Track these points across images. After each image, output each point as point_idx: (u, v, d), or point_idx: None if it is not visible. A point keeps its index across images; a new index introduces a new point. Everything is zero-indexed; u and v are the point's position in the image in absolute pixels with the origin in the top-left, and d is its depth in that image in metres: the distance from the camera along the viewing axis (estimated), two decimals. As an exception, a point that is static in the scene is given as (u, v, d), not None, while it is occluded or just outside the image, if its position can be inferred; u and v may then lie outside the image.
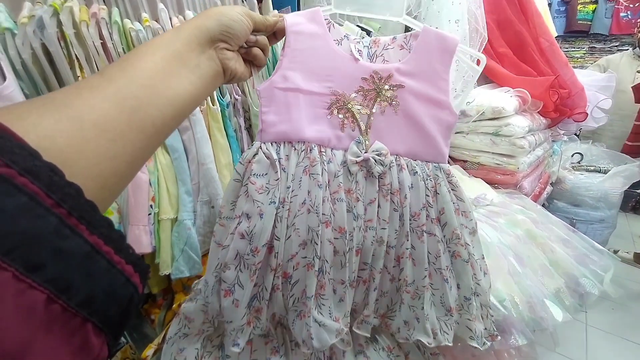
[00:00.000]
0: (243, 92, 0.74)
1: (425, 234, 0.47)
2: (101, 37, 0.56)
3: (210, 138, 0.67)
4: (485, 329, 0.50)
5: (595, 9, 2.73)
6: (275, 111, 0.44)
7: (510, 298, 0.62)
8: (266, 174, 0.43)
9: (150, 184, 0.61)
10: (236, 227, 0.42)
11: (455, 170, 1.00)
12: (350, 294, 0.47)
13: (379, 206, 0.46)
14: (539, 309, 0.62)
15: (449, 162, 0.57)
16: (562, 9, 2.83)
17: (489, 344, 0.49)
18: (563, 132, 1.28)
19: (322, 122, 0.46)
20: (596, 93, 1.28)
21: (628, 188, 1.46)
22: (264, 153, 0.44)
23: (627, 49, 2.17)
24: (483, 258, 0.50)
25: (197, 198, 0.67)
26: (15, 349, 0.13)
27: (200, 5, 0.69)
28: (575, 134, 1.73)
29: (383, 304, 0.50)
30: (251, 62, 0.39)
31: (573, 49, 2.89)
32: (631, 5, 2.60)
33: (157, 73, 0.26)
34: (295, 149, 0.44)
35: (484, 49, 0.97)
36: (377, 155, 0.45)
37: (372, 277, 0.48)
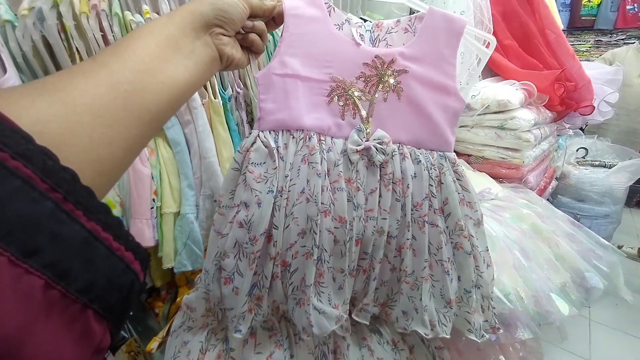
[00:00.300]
0: (245, 85, 0.73)
1: (427, 224, 0.46)
2: (101, 29, 0.55)
3: (212, 131, 0.66)
4: (486, 320, 0.49)
5: (600, 2, 2.68)
6: (273, 99, 0.43)
7: (515, 292, 0.61)
8: (264, 162, 0.43)
9: (152, 177, 0.61)
10: (235, 216, 0.42)
11: (459, 165, 0.99)
12: (350, 283, 0.47)
13: (380, 196, 0.45)
14: (545, 303, 0.61)
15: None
16: (568, 2, 2.79)
17: (487, 336, 0.48)
18: (569, 125, 1.27)
19: (321, 110, 0.45)
20: (603, 86, 1.26)
21: (633, 183, 1.44)
22: (262, 141, 0.43)
23: (634, 42, 2.13)
24: (487, 250, 0.50)
25: (199, 192, 0.67)
26: (14, 334, 0.13)
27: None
28: (581, 128, 1.71)
29: (383, 293, 0.50)
30: (249, 48, 0.38)
31: (578, 43, 2.85)
32: (638, -2, 2.55)
33: (151, 58, 0.25)
34: (293, 137, 0.44)
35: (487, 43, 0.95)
36: (379, 143, 0.44)
37: (372, 266, 0.47)
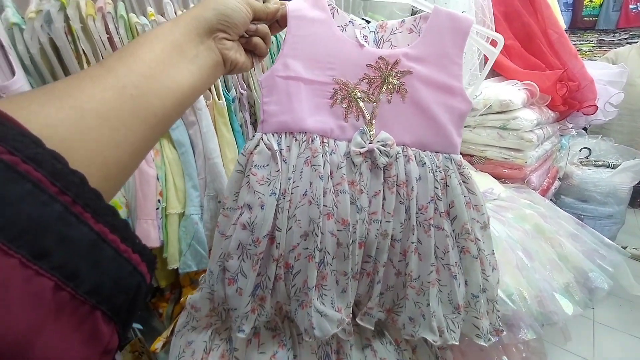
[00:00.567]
0: (249, 86, 0.74)
1: (432, 227, 0.45)
2: (107, 31, 0.56)
3: (216, 133, 0.67)
4: (491, 323, 0.49)
5: (602, 2, 2.67)
6: (277, 101, 0.43)
7: (519, 292, 0.61)
8: (267, 165, 0.43)
9: (157, 178, 0.62)
10: (238, 218, 0.43)
11: (462, 165, 0.99)
12: (354, 286, 0.47)
13: (384, 198, 0.45)
14: (549, 303, 0.61)
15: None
16: (570, 1, 2.78)
17: (493, 339, 0.48)
18: (572, 125, 1.26)
19: (324, 112, 0.44)
20: (606, 87, 1.26)
21: (637, 184, 1.44)
22: (265, 144, 0.43)
23: (637, 42, 2.12)
24: (493, 253, 0.49)
25: (203, 193, 0.68)
26: (24, 335, 0.13)
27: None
28: (584, 128, 1.71)
29: (389, 299, 0.50)
30: (252, 52, 0.38)
31: (581, 42, 2.84)
32: (641, -3, 2.54)
33: (156, 63, 0.26)
34: (296, 139, 0.44)
35: (491, 41, 0.95)
36: (382, 146, 0.44)
37: (376, 270, 0.47)
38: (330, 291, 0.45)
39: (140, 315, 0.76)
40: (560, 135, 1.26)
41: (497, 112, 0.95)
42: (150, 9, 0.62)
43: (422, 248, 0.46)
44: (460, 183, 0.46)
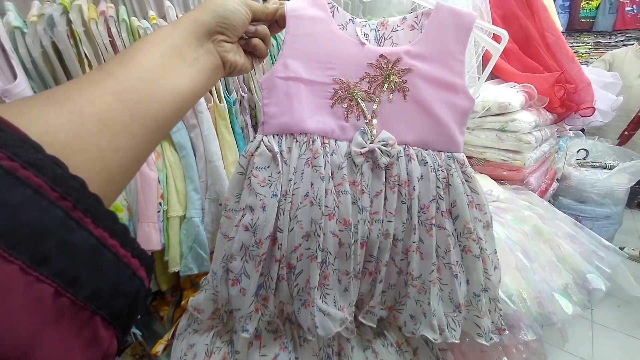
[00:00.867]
0: (249, 89, 0.74)
1: (434, 227, 0.45)
2: (110, 35, 0.56)
3: (217, 135, 0.67)
4: (493, 322, 0.49)
5: (598, 4, 2.70)
6: (277, 102, 0.43)
7: (518, 293, 0.62)
8: (268, 166, 0.43)
9: (159, 181, 0.62)
10: (240, 220, 0.43)
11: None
12: (356, 285, 0.47)
13: (385, 198, 0.45)
14: (548, 304, 0.62)
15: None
16: (566, 4, 2.80)
17: (495, 339, 0.48)
18: (569, 127, 1.27)
19: (324, 113, 0.44)
20: (607, 93, 1.27)
21: (634, 184, 1.45)
22: (265, 146, 0.43)
23: (633, 44, 2.14)
24: (495, 252, 0.49)
25: (205, 195, 0.68)
26: (25, 341, 0.13)
27: (206, 2, 0.69)
28: (582, 130, 1.72)
29: (390, 297, 0.50)
30: (252, 53, 0.38)
31: (578, 44, 2.87)
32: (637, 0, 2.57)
33: (156, 67, 0.26)
34: (297, 141, 0.44)
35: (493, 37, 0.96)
36: (384, 145, 0.43)
37: (378, 269, 0.47)
38: (332, 290, 0.46)
39: (140, 319, 0.76)
40: (558, 137, 1.27)
41: (496, 114, 0.96)
42: (152, 13, 0.62)
43: (423, 247, 0.46)
44: (462, 182, 0.45)
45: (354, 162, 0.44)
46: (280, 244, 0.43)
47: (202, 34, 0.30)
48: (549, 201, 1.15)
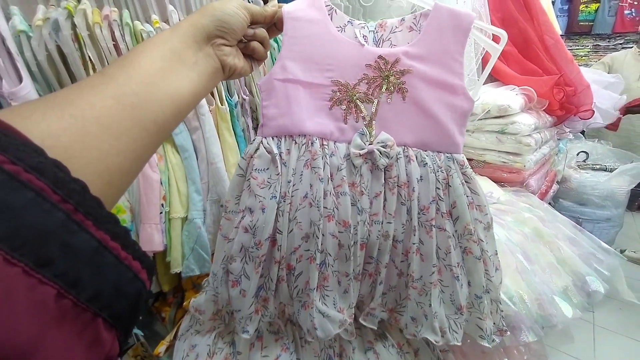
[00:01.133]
0: (251, 92, 0.75)
1: (434, 228, 0.45)
2: (113, 38, 0.57)
3: (219, 137, 0.68)
4: (494, 323, 0.49)
5: (597, 7, 2.71)
6: (275, 104, 0.43)
7: (518, 295, 0.62)
8: (267, 168, 0.43)
9: (161, 183, 0.62)
10: (240, 221, 0.43)
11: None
12: (356, 287, 0.47)
13: (385, 200, 0.45)
14: (548, 306, 0.62)
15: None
16: (565, 7, 2.82)
17: (498, 340, 0.48)
18: (569, 129, 1.28)
19: (323, 115, 0.44)
20: (610, 93, 1.27)
21: (634, 187, 1.45)
22: (264, 148, 0.43)
23: (632, 47, 2.15)
24: (496, 254, 0.49)
25: (206, 197, 0.68)
26: (28, 343, 0.14)
27: (209, 6, 0.69)
28: (581, 132, 1.72)
29: (391, 299, 0.50)
30: (251, 56, 0.38)
31: (577, 47, 2.88)
32: (635, 3, 2.58)
33: (156, 71, 0.26)
34: (295, 142, 0.44)
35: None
36: (382, 146, 0.43)
37: (378, 271, 0.47)
38: (332, 292, 0.46)
39: (142, 320, 0.76)
40: (558, 139, 1.27)
41: (496, 117, 0.96)
42: (155, 17, 0.63)
43: (423, 249, 0.46)
44: (462, 183, 0.45)
45: (353, 164, 0.44)
46: (280, 246, 0.43)
47: (201, 37, 0.31)
48: (549, 203, 1.15)
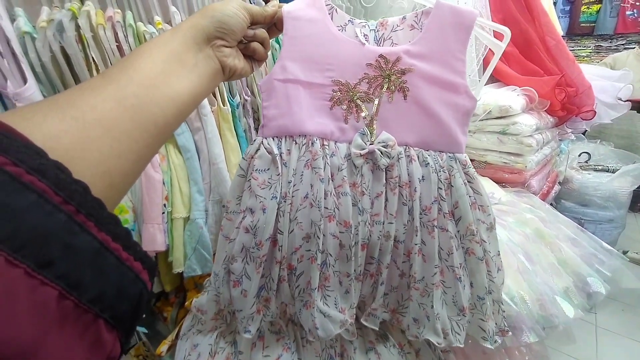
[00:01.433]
0: (252, 92, 0.75)
1: (436, 229, 0.45)
2: (117, 39, 0.57)
3: (221, 138, 0.68)
4: (496, 324, 0.49)
5: (599, 8, 2.71)
6: (276, 105, 0.43)
7: (520, 295, 0.62)
8: (268, 169, 0.44)
9: (163, 183, 0.63)
10: (241, 222, 0.43)
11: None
12: (357, 287, 0.47)
13: (386, 200, 0.45)
14: (550, 307, 0.62)
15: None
16: (567, 8, 2.82)
17: (499, 341, 0.48)
18: (571, 130, 1.27)
19: (323, 115, 0.44)
20: (614, 84, 1.25)
21: (637, 188, 1.44)
22: (265, 148, 0.44)
23: (634, 47, 2.15)
24: (499, 254, 0.49)
25: (208, 197, 0.69)
26: (29, 344, 0.14)
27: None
28: (583, 133, 1.72)
29: (393, 299, 0.50)
30: (252, 57, 0.38)
31: (579, 48, 2.88)
32: (637, 4, 2.58)
33: (156, 73, 0.26)
34: (296, 143, 0.44)
35: (489, 49, 0.97)
36: (383, 146, 0.43)
37: (379, 271, 0.47)
38: (333, 292, 0.46)
39: (144, 319, 0.76)
40: (560, 139, 1.27)
41: (497, 118, 0.96)
42: (158, 18, 0.63)
43: (425, 249, 0.45)
44: (465, 183, 0.45)
45: (354, 164, 0.44)
46: (281, 246, 0.43)
47: (201, 39, 0.31)
48: (551, 204, 1.15)
